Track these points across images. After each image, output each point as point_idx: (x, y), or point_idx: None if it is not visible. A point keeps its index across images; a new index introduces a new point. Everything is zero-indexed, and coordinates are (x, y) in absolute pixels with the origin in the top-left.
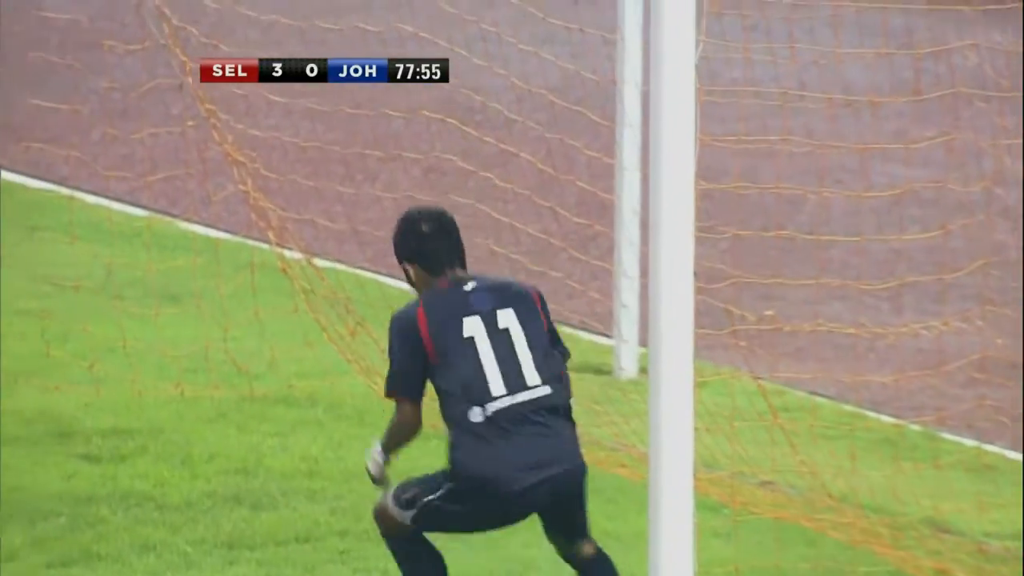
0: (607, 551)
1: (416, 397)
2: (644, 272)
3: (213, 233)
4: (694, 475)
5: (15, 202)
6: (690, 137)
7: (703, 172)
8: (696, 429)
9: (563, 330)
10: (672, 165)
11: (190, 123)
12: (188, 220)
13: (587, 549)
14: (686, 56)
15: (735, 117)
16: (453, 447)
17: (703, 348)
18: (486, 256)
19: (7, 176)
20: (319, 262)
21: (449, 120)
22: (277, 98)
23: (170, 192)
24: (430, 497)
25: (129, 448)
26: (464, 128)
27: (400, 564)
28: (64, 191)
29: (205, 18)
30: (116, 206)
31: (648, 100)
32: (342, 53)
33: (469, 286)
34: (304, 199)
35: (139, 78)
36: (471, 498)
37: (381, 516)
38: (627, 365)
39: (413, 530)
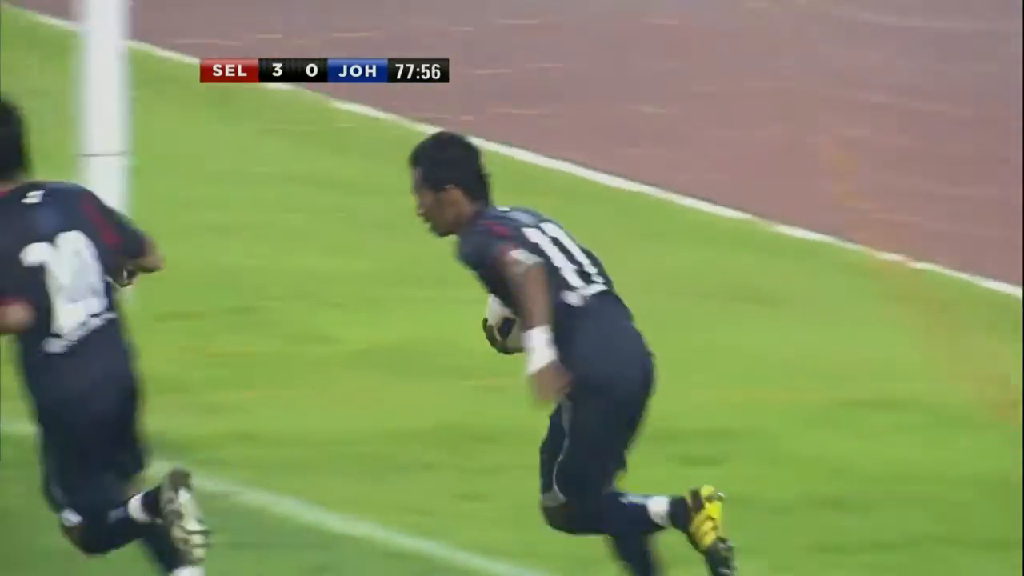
0: None
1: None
2: None
3: (810, 235)
4: None
5: (615, 205)
6: None
7: None
8: None
9: None
10: None
11: (787, 125)
12: (785, 222)
13: None
14: None
15: None
16: None
17: None
18: None
19: (607, 180)
20: (916, 265)
21: None
22: (877, 98)
23: (767, 194)
24: None
25: (724, 450)
26: None
27: (613, 526)
28: (661, 193)
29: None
30: (712, 208)
31: None
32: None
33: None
34: (900, 201)
35: (737, 81)
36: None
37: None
38: None
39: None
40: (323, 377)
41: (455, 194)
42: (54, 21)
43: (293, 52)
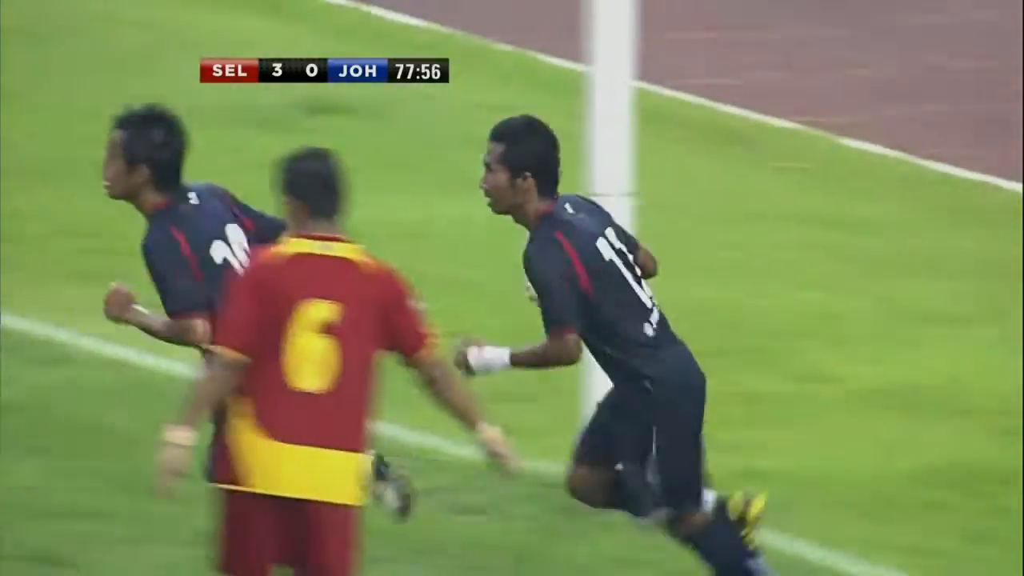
0: None
1: (579, 329)
2: None
3: None
4: None
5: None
6: None
7: None
8: None
9: None
10: None
11: None
12: None
13: None
14: None
15: None
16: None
17: None
18: None
19: None
20: None
21: None
22: None
23: None
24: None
25: None
26: None
27: (712, 554)
28: None
29: None
30: None
31: None
32: None
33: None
34: None
35: None
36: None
37: (689, 524)
38: None
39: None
40: (829, 416)
41: (530, 183)
42: (559, 62)
43: (801, 94)
